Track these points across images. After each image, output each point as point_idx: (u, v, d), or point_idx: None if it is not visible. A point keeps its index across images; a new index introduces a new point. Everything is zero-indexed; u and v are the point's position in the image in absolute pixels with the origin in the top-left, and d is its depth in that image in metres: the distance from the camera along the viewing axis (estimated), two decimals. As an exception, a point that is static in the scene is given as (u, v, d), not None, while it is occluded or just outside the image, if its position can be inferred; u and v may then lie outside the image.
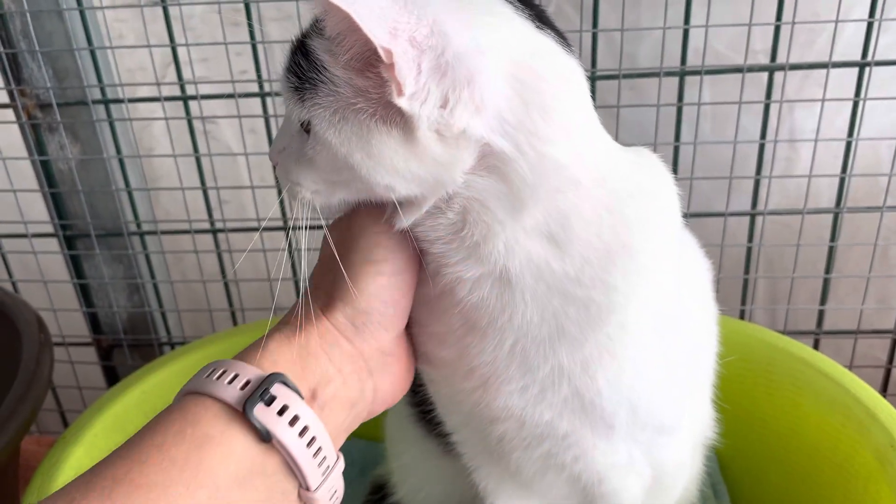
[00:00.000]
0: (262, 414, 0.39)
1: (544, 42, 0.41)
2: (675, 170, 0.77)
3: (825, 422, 0.66)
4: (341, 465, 0.42)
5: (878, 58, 0.71)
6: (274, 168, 0.45)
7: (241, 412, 0.39)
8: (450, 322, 0.45)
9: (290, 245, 0.44)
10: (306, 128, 0.41)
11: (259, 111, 0.80)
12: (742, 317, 0.85)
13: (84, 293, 0.92)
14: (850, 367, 0.87)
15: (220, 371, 0.41)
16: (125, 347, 0.95)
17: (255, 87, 0.80)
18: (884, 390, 0.89)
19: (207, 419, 0.39)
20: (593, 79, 0.75)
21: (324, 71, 0.39)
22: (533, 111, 0.39)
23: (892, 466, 0.58)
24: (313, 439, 0.40)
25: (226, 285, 0.90)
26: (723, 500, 0.74)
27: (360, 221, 0.45)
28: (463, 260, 0.42)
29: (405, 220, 0.42)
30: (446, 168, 0.40)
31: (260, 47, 0.78)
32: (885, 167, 0.77)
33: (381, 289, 0.44)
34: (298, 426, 0.40)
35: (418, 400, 0.54)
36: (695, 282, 0.51)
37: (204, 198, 0.85)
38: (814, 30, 0.74)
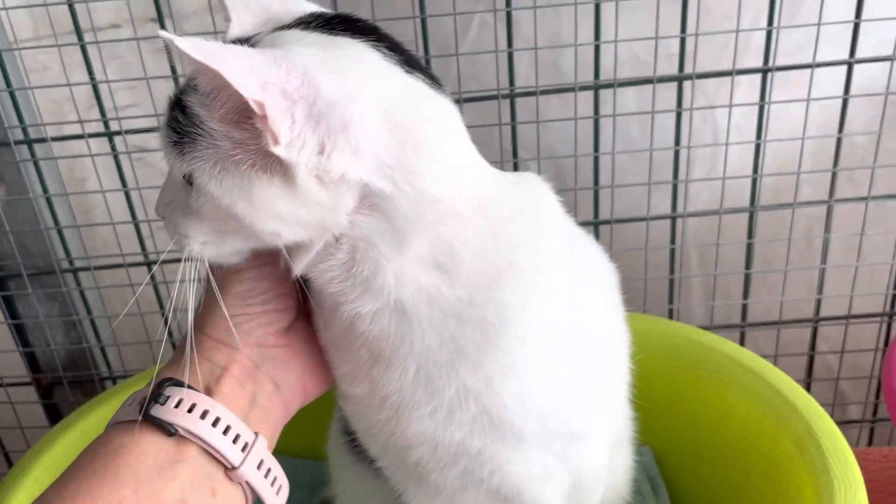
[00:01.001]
0: (161, 411, 0.43)
1: (414, 84, 0.43)
2: (596, 179, 0.81)
3: (750, 413, 0.69)
4: (263, 441, 0.45)
5: (797, 61, 0.75)
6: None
7: (143, 418, 0.43)
8: (357, 356, 0.47)
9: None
10: (189, 180, 0.42)
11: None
12: (671, 316, 0.88)
13: (20, 333, 0.91)
14: (776, 356, 0.91)
15: (125, 402, 0.46)
16: (66, 385, 0.94)
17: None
18: (808, 376, 0.93)
19: (117, 435, 0.43)
20: (512, 96, 0.77)
21: (201, 125, 0.40)
22: (408, 151, 0.42)
23: (809, 454, 0.61)
24: (217, 419, 0.44)
25: (164, 316, 0.90)
26: (660, 493, 0.77)
27: None
28: (359, 296, 0.44)
29: (297, 266, 0.44)
30: (330, 211, 0.42)
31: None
32: (805, 164, 0.81)
33: (245, 292, 0.47)
34: (198, 411, 0.43)
35: (348, 428, 0.56)
36: (597, 287, 0.54)
37: (136, 231, 0.85)
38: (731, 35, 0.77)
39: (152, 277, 0.88)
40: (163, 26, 0.76)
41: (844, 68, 0.76)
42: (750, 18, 0.75)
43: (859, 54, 0.75)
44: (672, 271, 0.86)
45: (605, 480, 0.57)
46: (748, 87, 0.78)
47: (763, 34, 0.75)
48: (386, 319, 0.45)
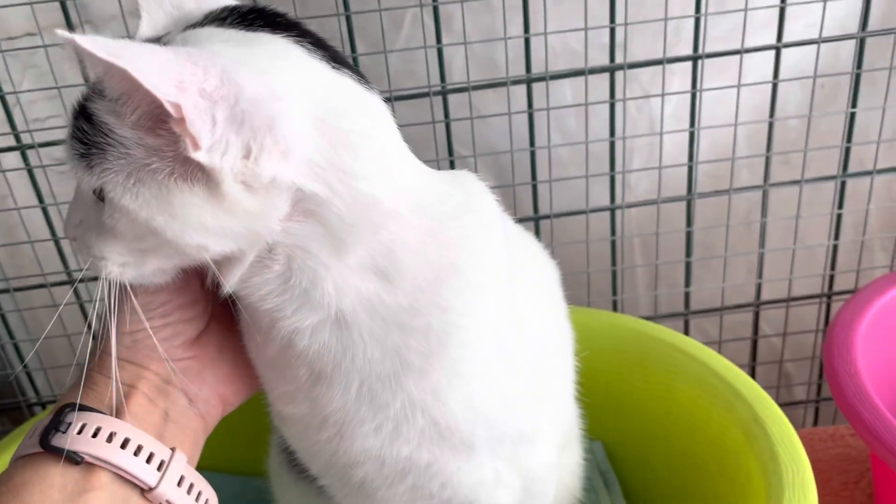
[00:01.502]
0: (63, 439, 0.40)
1: (342, 80, 0.41)
2: (534, 173, 0.80)
3: (697, 402, 0.69)
4: (181, 457, 0.43)
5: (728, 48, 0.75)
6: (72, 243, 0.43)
7: (44, 449, 0.40)
8: (296, 376, 0.44)
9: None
10: (100, 196, 0.39)
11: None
12: (615, 308, 0.88)
13: (-62, 362, 0.86)
14: (720, 342, 0.91)
15: (28, 433, 0.43)
16: (-9, 414, 0.89)
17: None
18: (753, 360, 0.94)
19: (20, 471, 0.41)
20: (444, 92, 0.76)
21: (111, 133, 0.37)
22: (341, 150, 0.39)
23: (756, 440, 0.61)
24: (127, 440, 0.41)
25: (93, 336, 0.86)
26: (612, 487, 0.76)
27: None
28: (297, 309, 0.42)
29: (229, 281, 0.41)
30: (260, 218, 0.39)
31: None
32: (742, 150, 0.82)
33: (143, 305, 0.44)
34: (104, 434, 0.41)
35: (287, 446, 0.54)
36: (538, 285, 0.53)
37: (56, 249, 0.81)
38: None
39: (77, 296, 0.84)
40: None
41: (773, 53, 0.76)
42: (680, 7, 0.75)
43: (788, 38, 0.75)
44: (614, 263, 0.85)
45: (556, 480, 0.56)
46: (682, 76, 0.78)
47: (694, 22, 0.74)
48: (327, 333, 0.42)
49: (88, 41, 0.33)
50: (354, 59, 0.74)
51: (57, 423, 0.41)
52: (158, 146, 0.37)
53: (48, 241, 0.80)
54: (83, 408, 0.42)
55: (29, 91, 0.76)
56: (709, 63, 0.75)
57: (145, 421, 0.43)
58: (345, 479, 0.48)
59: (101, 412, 0.42)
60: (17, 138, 0.75)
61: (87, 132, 0.38)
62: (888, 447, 0.61)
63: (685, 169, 0.81)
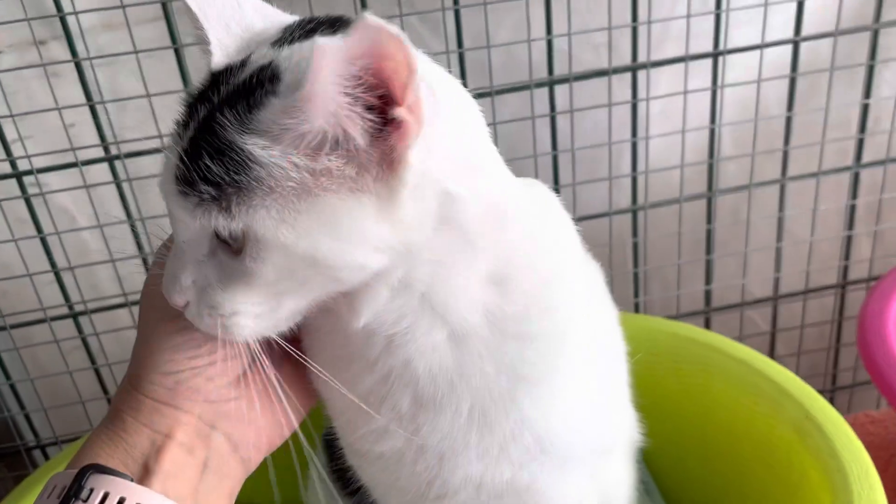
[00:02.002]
0: None
1: (446, 75, 0.39)
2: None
3: (737, 402, 0.68)
4: None
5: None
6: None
7: None
8: (396, 406, 0.42)
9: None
10: (233, 241, 0.36)
11: (104, 176, 0.73)
12: (637, 310, 0.87)
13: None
14: (740, 338, 0.91)
15: (45, 489, 0.39)
16: (-13, 460, 0.84)
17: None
18: (770, 355, 0.94)
19: None
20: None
21: (263, 167, 0.34)
22: (469, 144, 0.38)
23: (811, 437, 0.61)
24: None
25: (97, 372, 0.81)
26: (654, 496, 0.75)
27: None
28: (429, 330, 0.40)
29: (365, 311, 0.39)
30: (417, 228, 0.36)
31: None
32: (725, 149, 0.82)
33: (186, 342, 0.40)
34: None
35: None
36: (595, 288, 0.51)
37: (57, 280, 0.76)
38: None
39: (79, 330, 0.79)
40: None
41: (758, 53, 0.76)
42: (667, 10, 0.75)
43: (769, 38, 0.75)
44: (636, 265, 0.84)
45: (628, 492, 0.55)
46: (670, 76, 0.77)
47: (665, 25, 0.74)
48: (444, 351, 0.40)
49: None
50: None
51: (78, 490, 0.37)
52: (327, 167, 0.34)
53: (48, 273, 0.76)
54: (107, 470, 0.38)
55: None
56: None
57: (179, 478, 0.39)
58: None
59: (126, 477, 0.38)
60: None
61: (222, 172, 0.34)
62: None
63: (677, 171, 0.81)
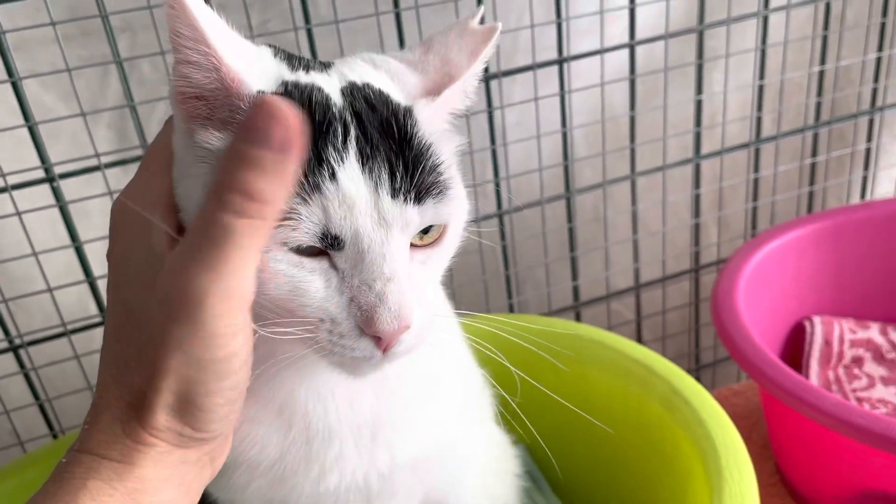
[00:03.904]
0: None
1: None
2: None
3: (611, 386, 0.72)
4: None
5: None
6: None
7: None
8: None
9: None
10: (432, 233, 0.38)
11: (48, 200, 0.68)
12: (512, 310, 0.90)
13: None
14: (609, 328, 0.96)
15: None
16: None
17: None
18: (638, 341, 0.99)
19: None
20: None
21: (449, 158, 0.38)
22: None
23: (679, 411, 0.65)
24: None
25: (41, 408, 0.76)
26: (541, 484, 0.78)
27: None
28: None
29: None
30: None
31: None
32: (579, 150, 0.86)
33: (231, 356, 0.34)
34: None
35: None
36: None
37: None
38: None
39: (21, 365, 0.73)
40: None
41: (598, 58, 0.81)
42: (514, 21, 0.78)
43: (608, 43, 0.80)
44: (507, 267, 0.87)
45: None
46: (523, 85, 0.80)
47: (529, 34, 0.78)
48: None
49: None
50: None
51: None
52: None
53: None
54: None
55: None
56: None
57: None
58: None
59: None
60: None
61: (440, 166, 0.37)
62: (779, 385, 0.68)
63: (537, 175, 0.85)
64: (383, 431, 0.44)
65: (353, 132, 0.35)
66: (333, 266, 0.36)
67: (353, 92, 0.37)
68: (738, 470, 0.58)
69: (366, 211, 0.35)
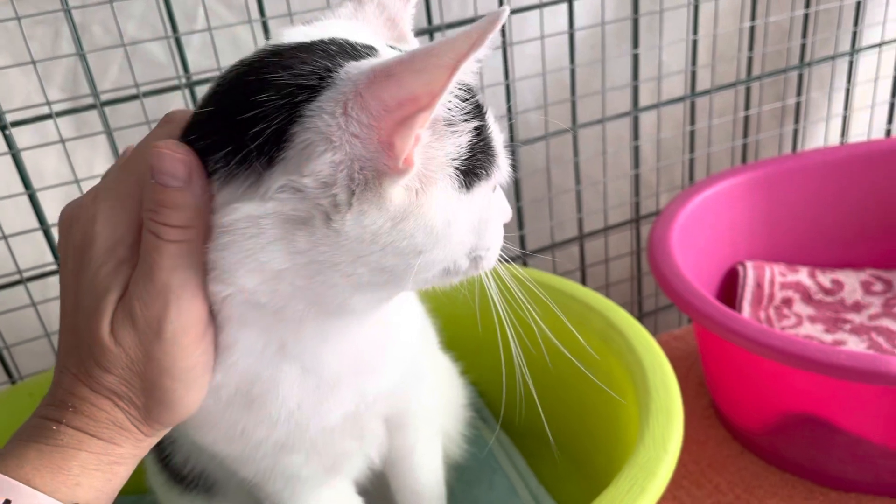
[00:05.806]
0: None
1: None
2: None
3: (554, 324, 0.76)
4: None
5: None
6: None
7: None
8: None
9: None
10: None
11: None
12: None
13: None
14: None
15: None
16: None
17: None
18: (583, 288, 1.04)
19: None
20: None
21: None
22: None
23: (613, 341, 0.69)
24: None
25: None
26: (489, 423, 0.82)
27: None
28: None
29: None
30: None
31: None
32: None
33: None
34: None
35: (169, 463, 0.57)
36: None
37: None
38: None
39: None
40: None
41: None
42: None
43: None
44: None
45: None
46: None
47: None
48: None
49: None
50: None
51: None
52: None
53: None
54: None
55: None
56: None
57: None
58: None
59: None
60: None
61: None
62: (707, 316, 0.72)
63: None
64: (371, 368, 0.50)
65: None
66: None
67: None
68: (664, 388, 0.62)
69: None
